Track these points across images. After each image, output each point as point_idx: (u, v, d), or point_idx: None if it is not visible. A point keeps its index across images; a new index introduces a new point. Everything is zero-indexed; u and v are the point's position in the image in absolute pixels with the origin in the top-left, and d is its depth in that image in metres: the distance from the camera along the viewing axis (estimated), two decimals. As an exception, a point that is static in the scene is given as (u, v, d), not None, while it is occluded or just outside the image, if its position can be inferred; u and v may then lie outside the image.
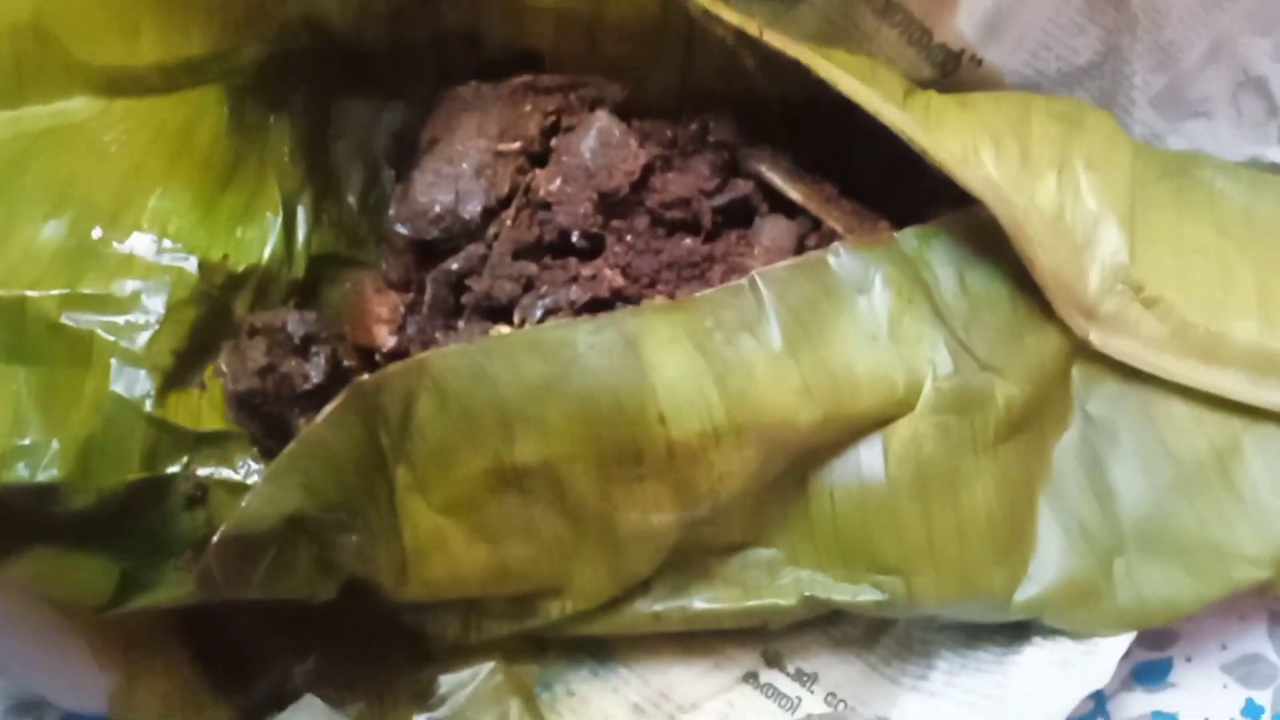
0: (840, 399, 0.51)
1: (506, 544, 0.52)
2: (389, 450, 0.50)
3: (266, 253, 0.62)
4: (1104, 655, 0.54)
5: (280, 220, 0.63)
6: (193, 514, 0.56)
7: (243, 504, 0.48)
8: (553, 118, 0.62)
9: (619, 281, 0.57)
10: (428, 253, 0.61)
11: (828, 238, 0.57)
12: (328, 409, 0.49)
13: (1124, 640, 0.54)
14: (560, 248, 0.58)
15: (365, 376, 0.50)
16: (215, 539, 0.47)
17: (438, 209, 0.60)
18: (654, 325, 0.50)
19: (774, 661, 0.59)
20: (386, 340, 0.62)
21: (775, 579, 0.54)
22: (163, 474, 0.55)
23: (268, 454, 0.58)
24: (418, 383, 0.50)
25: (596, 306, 0.56)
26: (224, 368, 0.56)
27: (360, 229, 0.67)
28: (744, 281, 0.51)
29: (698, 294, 0.52)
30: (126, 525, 0.55)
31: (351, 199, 0.67)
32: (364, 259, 0.66)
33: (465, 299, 0.59)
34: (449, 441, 0.50)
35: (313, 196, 0.66)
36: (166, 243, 0.60)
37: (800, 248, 0.57)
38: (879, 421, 0.52)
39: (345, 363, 0.62)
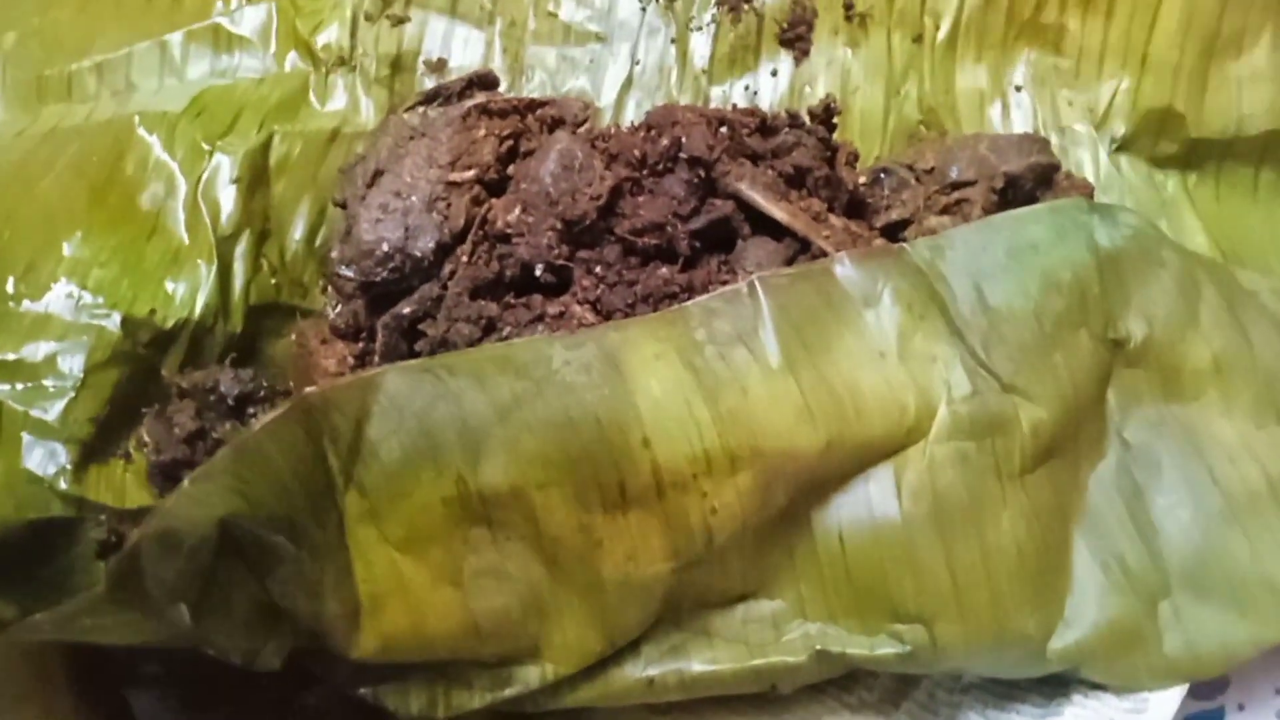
0: (845, 422, 0.45)
1: (475, 590, 0.46)
2: (338, 473, 0.44)
3: (199, 306, 0.57)
4: (1155, 714, 0.48)
5: (215, 268, 0.58)
6: (106, 564, 0.50)
7: (167, 502, 0.40)
8: (509, 142, 0.56)
9: (589, 318, 0.51)
10: (377, 297, 0.55)
11: (817, 259, 0.51)
12: (267, 418, 0.43)
13: (1175, 695, 0.49)
14: (523, 284, 0.53)
15: (311, 390, 0.44)
16: (136, 535, 0.40)
17: (386, 247, 0.54)
18: (638, 339, 0.45)
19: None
20: (335, 395, 0.56)
21: (782, 633, 0.48)
22: (67, 518, 0.50)
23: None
24: (370, 399, 0.44)
25: (565, 347, 0.50)
26: (147, 436, 0.50)
27: (304, 274, 0.61)
28: (741, 287, 0.46)
29: (688, 303, 0.46)
30: (27, 570, 0.49)
31: (295, 239, 0.62)
32: (308, 307, 0.60)
33: (420, 345, 0.53)
34: (406, 463, 0.44)
35: (251, 239, 0.60)
36: (86, 297, 0.55)
37: (789, 271, 0.52)
38: (888, 450, 0.46)
39: (291, 422, 0.56)
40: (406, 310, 0.54)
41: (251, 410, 0.52)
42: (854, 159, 0.58)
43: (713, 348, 0.45)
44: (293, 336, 0.59)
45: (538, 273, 0.52)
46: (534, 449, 0.44)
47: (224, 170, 0.60)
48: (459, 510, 0.44)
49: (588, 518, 0.44)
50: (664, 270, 0.52)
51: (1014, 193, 0.56)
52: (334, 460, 0.44)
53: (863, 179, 0.57)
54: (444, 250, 0.54)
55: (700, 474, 0.44)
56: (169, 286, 0.57)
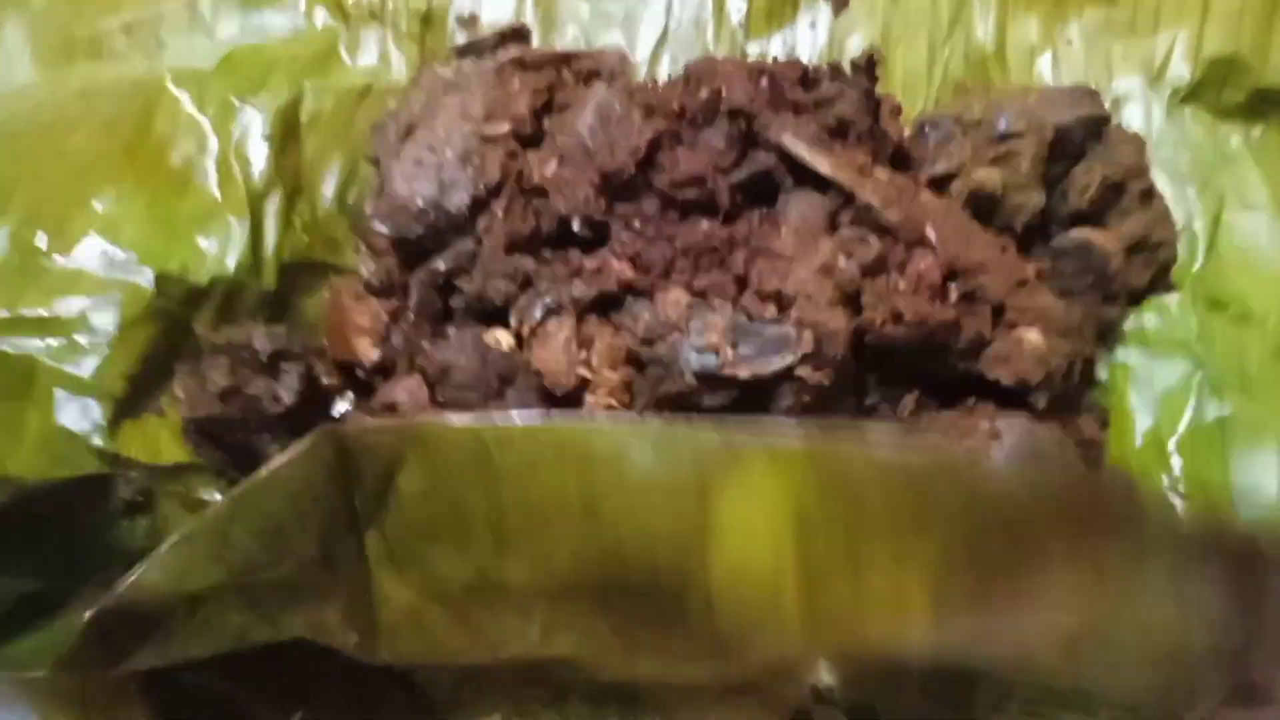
0: None
1: (497, 638, 0.43)
2: (360, 511, 0.42)
3: (231, 262, 0.56)
4: None
5: (247, 225, 0.57)
6: (132, 523, 0.49)
7: (133, 574, 0.39)
8: (544, 95, 0.55)
9: (628, 274, 0.50)
10: (411, 252, 0.54)
11: (864, 212, 0.50)
12: (292, 450, 0.41)
13: None
14: (560, 239, 0.51)
15: (348, 426, 0.42)
16: (89, 615, 0.38)
17: (420, 202, 0.53)
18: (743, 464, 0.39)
19: (825, 696, 0.51)
20: (369, 353, 0.55)
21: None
22: (94, 474, 0.49)
23: (234, 486, 0.51)
24: (407, 448, 0.41)
25: (604, 303, 0.49)
26: (180, 392, 0.50)
27: (336, 231, 0.60)
28: None
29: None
30: (49, 529, 0.48)
31: (327, 196, 0.61)
32: (341, 264, 0.59)
33: (455, 302, 0.52)
34: (430, 532, 0.42)
35: (283, 196, 0.59)
36: (118, 253, 0.54)
37: (833, 225, 0.50)
38: None
39: (325, 380, 0.55)
40: (441, 266, 0.53)
41: (285, 367, 0.51)
42: (897, 111, 0.56)
43: None
44: (325, 294, 0.58)
45: (575, 227, 0.51)
46: (571, 565, 0.40)
47: (255, 127, 0.59)
48: (480, 587, 0.42)
49: (623, 635, 0.42)
50: (704, 224, 0.50)
51: (1063, 146, 0.55)
52: (358, 499, 0.42)
53: (907, 131, 0.55)
54: (479, 205, 0.53)
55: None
56: (201, 243, 0.56)
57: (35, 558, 0.47)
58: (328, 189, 0.61)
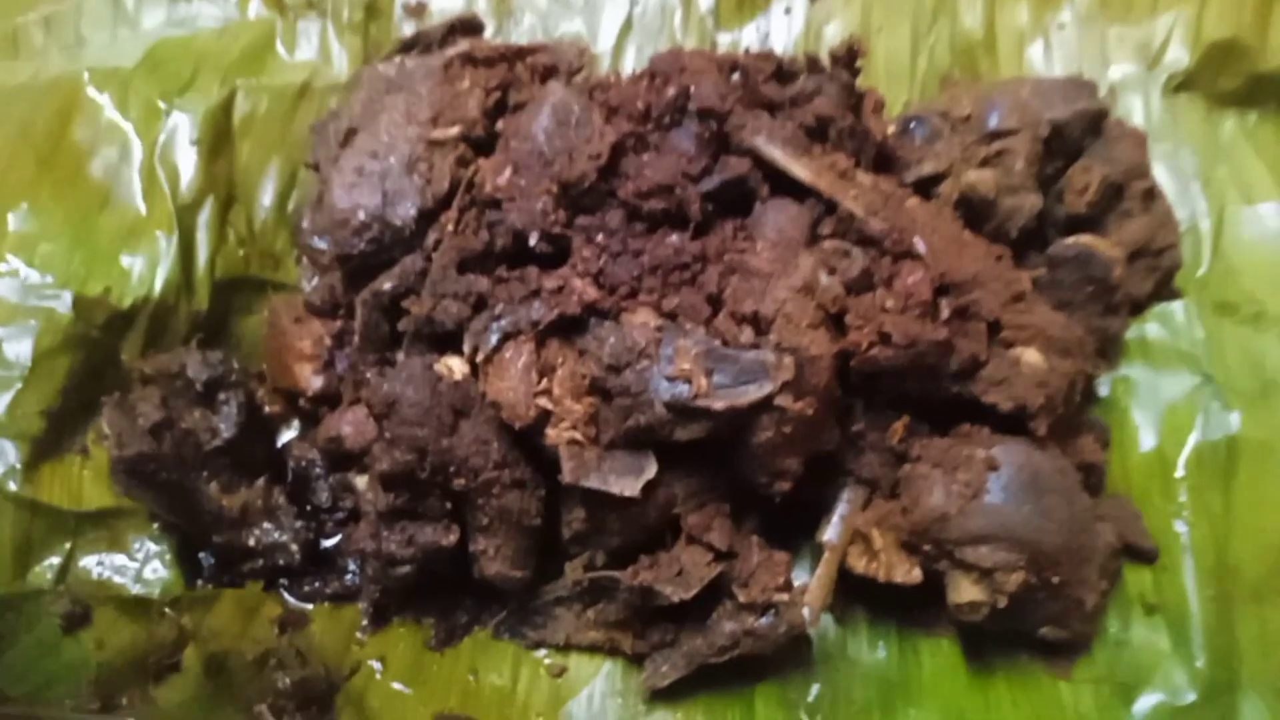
0: None
1: None
2: None
3: (159, 282, 0.52)
4: None
5: (176, 241, 0.53)
6: (77, 639, 0.45)
7: None
8: (497, 94, 0.51)
9: (591, 293, 0.45)
10: (355, 270, 0.50)
11: (845, 222, 0.46)
12: None
13: None
14: (516, 255, 0.47)
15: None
16: None
17: (362, 215, 0.49)
18: None
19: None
20: (311, 381, 0.51)
21: None
22: (25, 590, 0.45)
23: (169, 530, 0.47)
24: None
25: (565, 326, 0.45)
26: (106, 428, 0.45)
27: (276, 244, 0.56)
28: None
29: None
30: None
31: (264, 205, 0.56)
32: (282, 280, 0.55)
33: (402, 325, 0.48)
34: None
35: (216, 207, 0.55)
36: (33, 275, 0.50)
37: (813, 237, 0.46)
38: None
39: (265, 409, 0.51)
40: (387, 286, 0.49)
41: (223, 396, 0.47)
42: (880, 107, 0.52)
43: None
44: (264, 314, 0.54)
45: (532, 242, 0.46)
46: None
47: (183, 131, 0.55)
48: None
49: None
50: (674, 237, 0.46)
51: (1060, 143, 0.51)
52: None
53: (891, 129, 0.51)
54: (427, 217, 0.49)
55: None
56: (125, 262, 0.52)
57: None
58: (265, 197, 0.57)
